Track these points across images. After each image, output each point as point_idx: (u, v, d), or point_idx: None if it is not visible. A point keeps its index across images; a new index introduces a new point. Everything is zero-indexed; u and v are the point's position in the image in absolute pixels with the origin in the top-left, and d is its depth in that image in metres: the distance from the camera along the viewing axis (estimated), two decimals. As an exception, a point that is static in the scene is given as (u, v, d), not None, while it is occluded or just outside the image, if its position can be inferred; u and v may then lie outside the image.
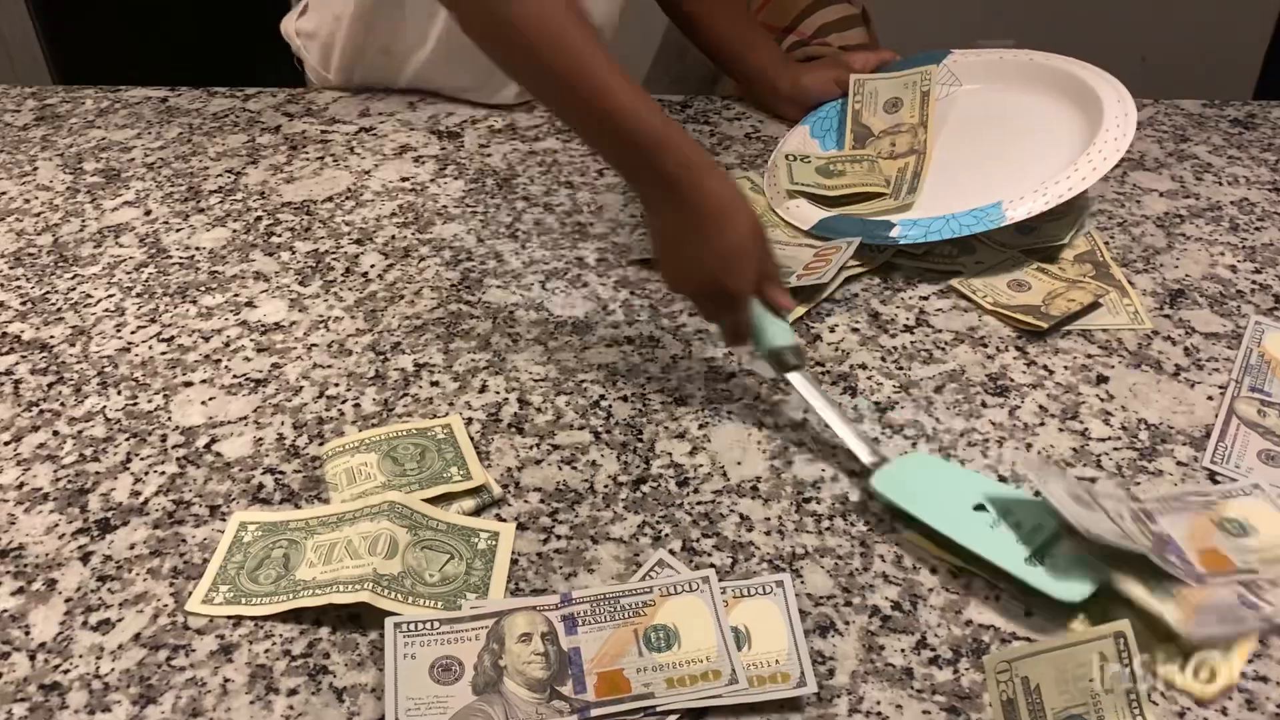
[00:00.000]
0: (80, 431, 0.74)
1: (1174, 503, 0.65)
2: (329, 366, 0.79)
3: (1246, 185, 1.01)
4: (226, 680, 0.57)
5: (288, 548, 0.64)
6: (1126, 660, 0.53)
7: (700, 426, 0.74)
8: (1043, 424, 0.73)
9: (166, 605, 0.61)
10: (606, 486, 0.69)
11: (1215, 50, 2.57)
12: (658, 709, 0.55)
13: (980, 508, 0.64)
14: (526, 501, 0.68)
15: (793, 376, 0.73)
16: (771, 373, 0.77)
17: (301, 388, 0.77)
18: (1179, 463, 0.70)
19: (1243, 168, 1.03)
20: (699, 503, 0.68)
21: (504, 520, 0.66)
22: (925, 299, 0.86)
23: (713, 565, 0.63)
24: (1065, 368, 0.78)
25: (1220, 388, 0.76)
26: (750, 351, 0.79)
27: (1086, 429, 0.73)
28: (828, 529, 0.66)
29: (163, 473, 0.70)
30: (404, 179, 1.02)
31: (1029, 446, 0.72)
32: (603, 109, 0.69)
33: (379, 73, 1.16)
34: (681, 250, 0.72)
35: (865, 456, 0.69)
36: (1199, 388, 0.76)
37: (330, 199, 1.00)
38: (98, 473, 0.70)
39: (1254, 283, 0.87)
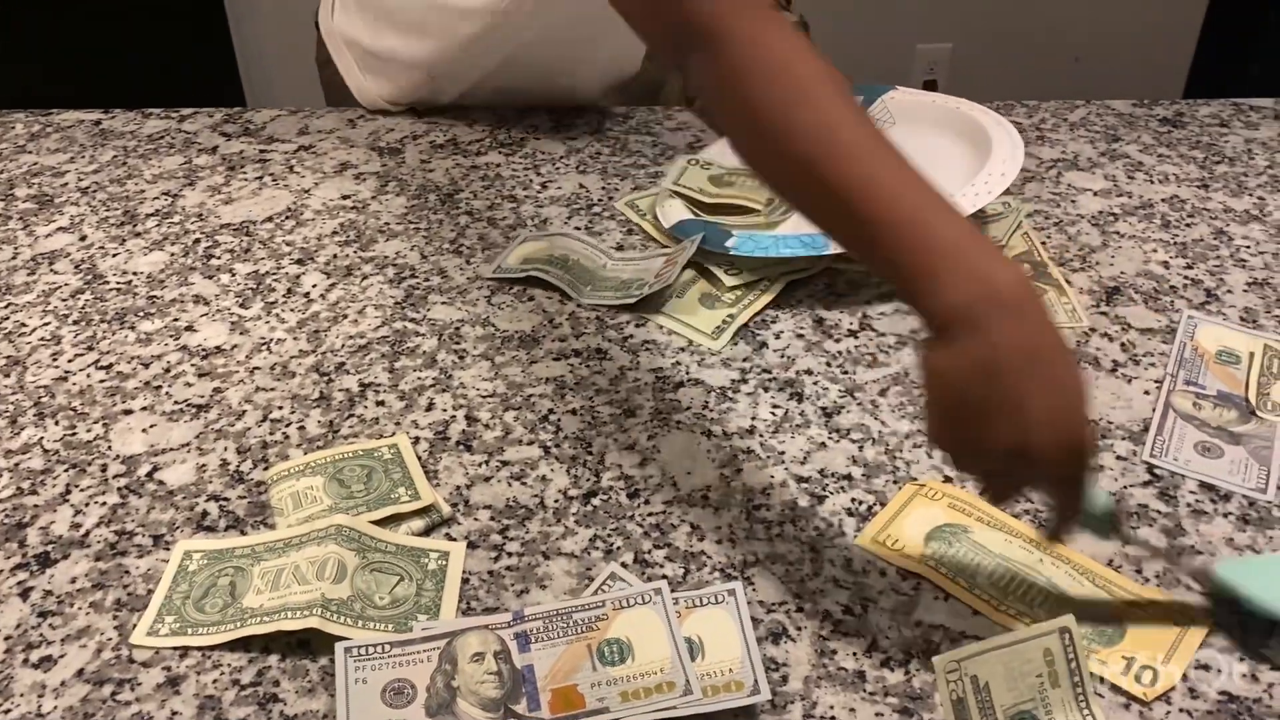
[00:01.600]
0: (17, 464, 0.72)
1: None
2: (272, 389, 0.78)
3: (1176, 183, 1.03)
4: (174, 713, 0.56)
5: (234, 575, 0.63)
6: (1072, 655, 0.54)
7: (650, 437, 0.74)
8: (986, 423, 0.74)
9: (110, 639, 0.60)
10: (557, 501, 0.69)
11: (1147, 49, 2.63)
12: (613, 723, 0.55)
13: None
14: (476, 519, 0.67)
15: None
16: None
17: (244, 412, 0.76)
18: (1119, 457, 0.72)
19: (1172, 165, 1.06)
20: (650, 514, 0.68)
21: (454, 539, 0.66)
22: (868, 303, 0.87)
23: (665, 576, 0.64)
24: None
25: (1156, 382, 0.78)
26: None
27: (1028, 427, 0.74)
28: (778, 535, 0.66)
29: (104, 503, 0.69)
30: (345, 197, 1.02)
31: (973, 446, 0.72)
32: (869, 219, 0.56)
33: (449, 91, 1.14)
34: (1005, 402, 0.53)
35: None
36: (1136, 383, 0.78)
37: (270, 219, 0.99)
38: (36, 505, 0.69)
39: (1185, 278, 0.89)
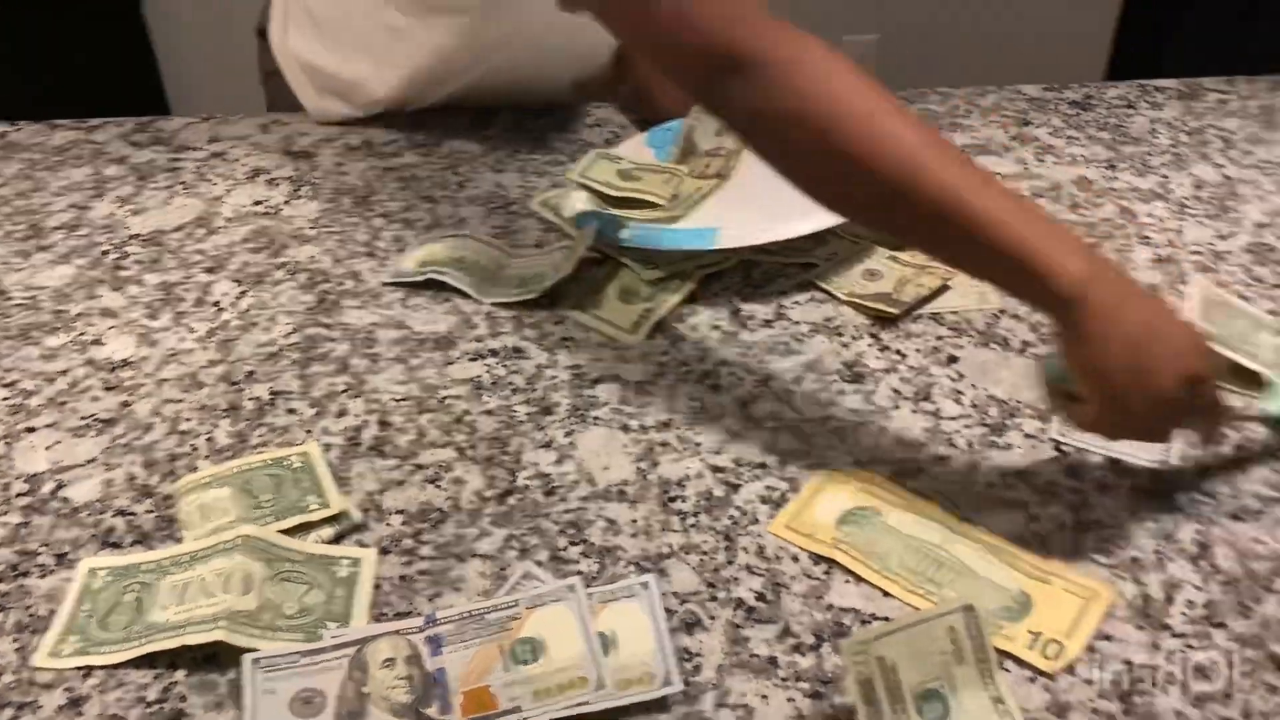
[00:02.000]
0: (-86, 488, 0.70)
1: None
2: (180, 401, 0.77)
3: (1085, 164, 1.05)
4: (77, 735, 0.55)
5: (140, 591, 0.62)
6: (976, 633, 0.54)
7: (567, 434, 0.74)
8: (897, 407, 0.75)
9: (10, 662, 0.59)
10: (471, 503, 0.68)
11: (1069, 36, 2.67)
12: (525, 722, 0.54)
13: None
14: (389, 525, 0.67)
15: None
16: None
17: (152, 425, 0.75)
18: (1026, 435, 0.73)
19: (1081, 147, 1.08)
20: (566, 511, 0.68)
21: (366, 546, 0.65)
22: (784, 294, 0.87)
23: (580, 572, 0.63)
24: (917, 350, 0.80)
25: (1064, 360, 0.79)
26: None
27: (938, 409, 0.75)
28: (693, 526, 0.67)
29: (5, 524, 0.67)
30: (257, 203, 1.00)
31: (884, 431, 0.73)
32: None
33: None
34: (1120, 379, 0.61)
35: None
36: (1044, 362, 0.79)
37: (180, 228, 0.97)
38: (-66, 530, 0.67)
39: (1093, 257, 0.91)
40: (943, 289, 0.85)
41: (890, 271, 0.87)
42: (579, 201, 0.93)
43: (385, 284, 0.88)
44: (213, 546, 0.63)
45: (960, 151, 0.65)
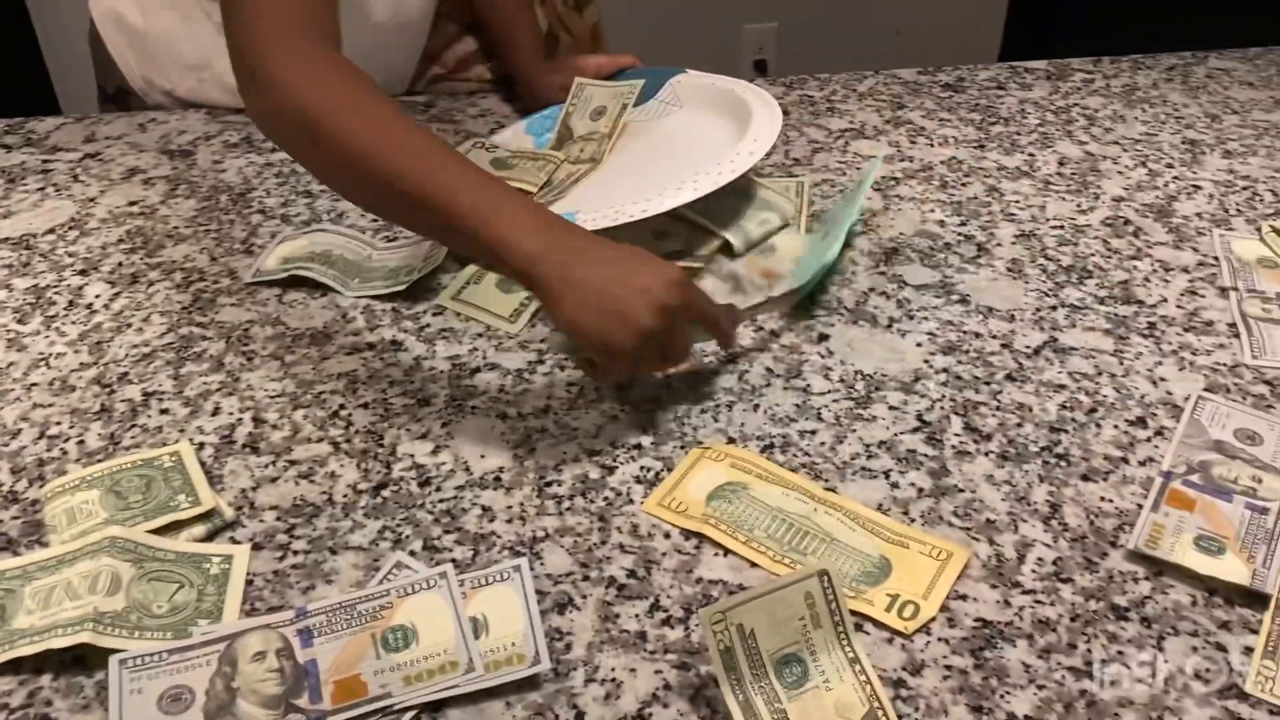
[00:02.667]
0: None
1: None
2: (50, 405, 0.76)
3: (955, 145, 1.08)
4: (-63, 746, 0.54)
5: (4, 598, 0.61)
6: (831, 597, 0.57)
7: (444, 425, 0.74)
8: (769, 385, 0.77)
9: None
10: (345, 496, 0.69)
11: (963, 20, 2.74)
12: (394, 708, 0.55)
13: None
14: (262, 521, 0.67)
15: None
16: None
17: (20, 430, 0.73)
18: (891, 407, 0.75)
19: (952, 129, 1.11)
20: (440, 500, 0.68)
21: (239, 543, 0.65)
22: (662, 277, 0.89)
23: (453, 560, 0.64)
24: (790, 330, 0.83)
25: (929, 334, 0.82)
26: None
27: (808, 385, 0.77)
28: (568, 509, 0.68)
29: None
30: (132, 203, 0.99)
31: (756, 408, 0.75)
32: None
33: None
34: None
35: None
36: (909, 336, 0.82)
37: (52, 230, 0.95)
38: None
39: (959, 234, 0.94)
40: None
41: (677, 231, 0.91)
42: None
43: (249, 283, 0.87)
44: (80, 549, 0.62)
45: (442, 145, 0.72)
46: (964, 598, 0.62)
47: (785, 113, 1.00)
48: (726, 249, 0.89)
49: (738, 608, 0.56)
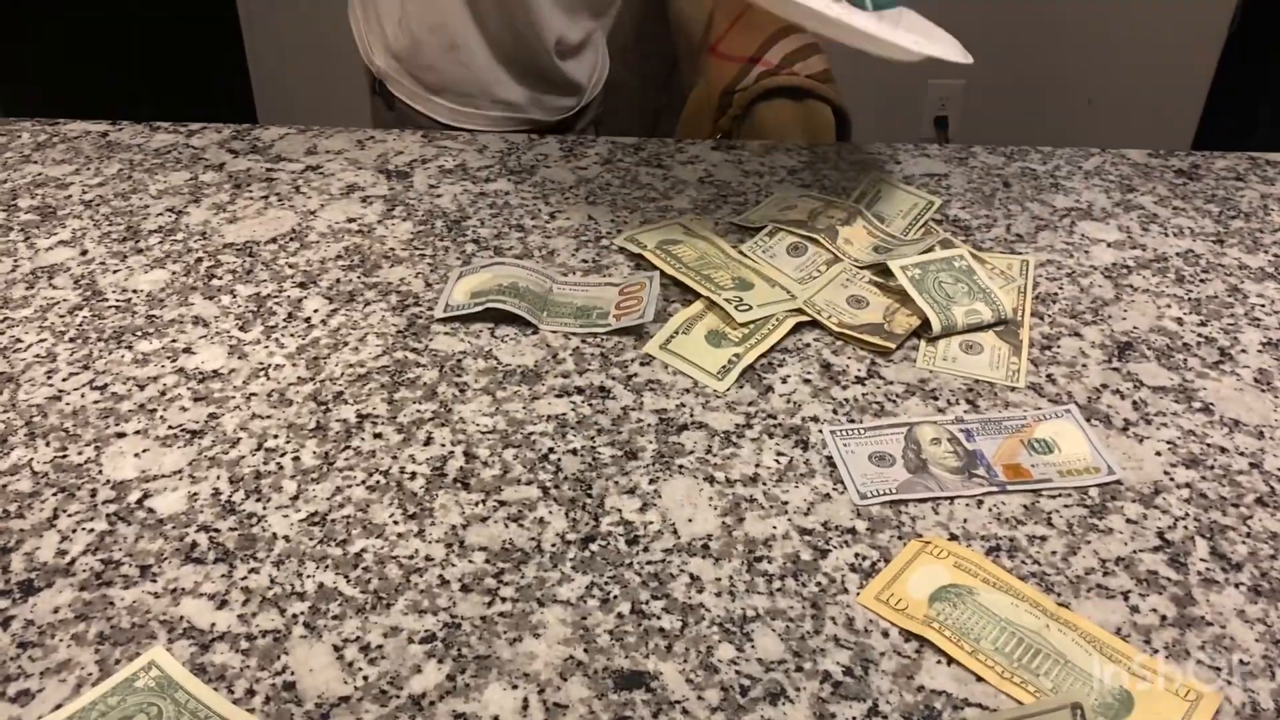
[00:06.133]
0: (5, 486, 0.71)
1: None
2: (268, 417, 0.77)
3: (1191, 236, 1.02)
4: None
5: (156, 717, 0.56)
6: (1080, 731, 0.52)
7: (650, 481, 0.72)
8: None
9: (91, 674, 0.59)
10: (554, 545, 0.67)
11: (1160, 93, 2.62)
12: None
13: None
14: (471, 562, 0.66)
15: None
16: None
17: (239, 439, 0.75)
18: (1129, 520, 0.70)
19: (1187, 219, 1.05)
20: (649, 562, 0.66)
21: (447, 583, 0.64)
22: (875, 350, 0.85)
23: (662, 629, 0.62)
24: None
25: (1168, 443, 0.76)
26: None
27: (1037, 487, 0.73)
28: (779, 590, 0.65)
29: (91, 530, 0.68)
30: (351, 220, 1.01)
31: (980, 504, 0.71)
32: None
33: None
34: None
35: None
36: (1147, 443, 0.77)
37: (274, 240, 0.98)
38: (22, 530, 0.68)
39: (1199, 335, 0.88)
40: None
41: (875, 299, 0.89)
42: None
43: (439, 319, 0.87)
44: None
45: None
46: None
47: (1007, 185, 0.96)
48: (925, 326, 0.86)
49: (978, 731, 0.52)
